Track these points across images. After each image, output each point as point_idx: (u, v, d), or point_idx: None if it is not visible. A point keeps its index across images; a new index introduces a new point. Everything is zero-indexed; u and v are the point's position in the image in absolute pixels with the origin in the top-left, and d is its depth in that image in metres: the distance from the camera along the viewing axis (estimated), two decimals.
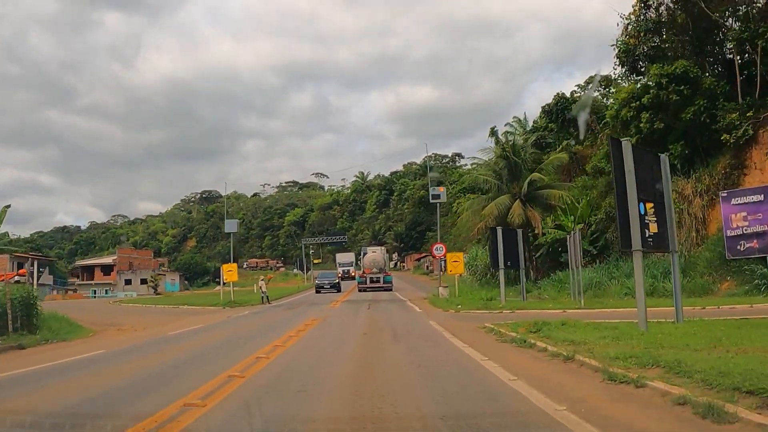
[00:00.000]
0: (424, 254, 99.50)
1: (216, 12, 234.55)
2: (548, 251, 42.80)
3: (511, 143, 43.45)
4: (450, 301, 28.45)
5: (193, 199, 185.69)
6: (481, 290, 35.84)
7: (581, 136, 47.11)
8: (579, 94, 56.16)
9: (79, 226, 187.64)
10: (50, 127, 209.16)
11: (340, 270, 73.81)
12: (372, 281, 47.92)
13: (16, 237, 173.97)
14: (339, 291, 43.84)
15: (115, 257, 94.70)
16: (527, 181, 41.67)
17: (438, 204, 36.52)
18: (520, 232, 27.26)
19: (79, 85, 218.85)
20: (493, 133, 78.40)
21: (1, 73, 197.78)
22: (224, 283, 37.95)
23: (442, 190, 34.91)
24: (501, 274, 25.60)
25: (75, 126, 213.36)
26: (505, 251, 24.76)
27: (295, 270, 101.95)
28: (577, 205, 41.58)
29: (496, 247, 24.69)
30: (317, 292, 44.07)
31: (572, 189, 42.87)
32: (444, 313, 24.00)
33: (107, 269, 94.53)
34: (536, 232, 41.71)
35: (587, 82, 57.02)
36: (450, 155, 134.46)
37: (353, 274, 72.62)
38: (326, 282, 46.45)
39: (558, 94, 54.86)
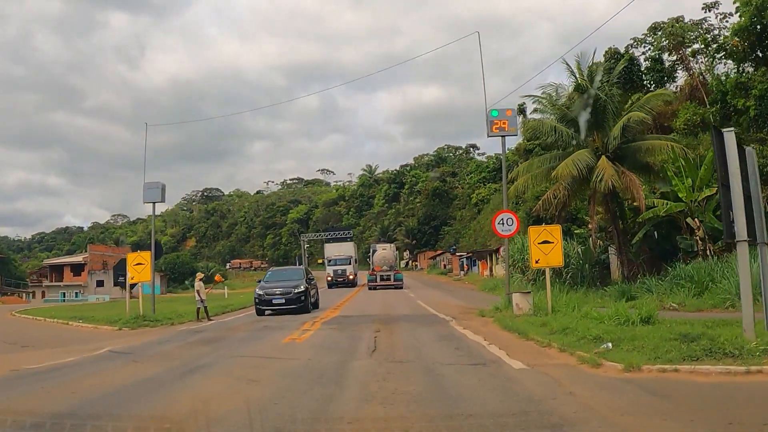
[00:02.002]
0: (439, 251, 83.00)
1: (222, 12, 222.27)
2: (646, 234, 26.96)
3: (587, 74, 26.91)
4: (551, 326, 12.14)
5: (194, 197, 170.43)
6: (577, 296, 19.34)
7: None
8: (634, 50, 40.71)
9: (81, 227, 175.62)
10: (57, 128, 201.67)
11: (329, 270, 50.33)
12: (382, 279, 43.35)
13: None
14: (303, 311, 20.36)
15: (86, 255, 78.57)
16: (621, 125, 25.48)
17: (503, 139, 19.49)
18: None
19: (86, 87, 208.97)
20: (521, 111, 62.66)
21: (8, 75, 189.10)
22: (132, 287, 21.84)
23: (510, 113, 18.13)
24: (742, 255, 8.77)
25: (82, 128, 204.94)
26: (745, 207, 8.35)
27: None
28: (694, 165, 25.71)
29: (728, 200, 8.31)
30: (259, 313, 20.91)
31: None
32: (603, 377, 7.60)
33: (78, 269, 78.47)
34: (636, 204, 25.88)
35: (651, 30, 41.53)
36: (464, 146, 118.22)
37: (351, 276, 49.50)
38: (277, 292, 20.63)
39: (610, 48, 41.00)
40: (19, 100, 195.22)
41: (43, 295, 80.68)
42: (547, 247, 15.25)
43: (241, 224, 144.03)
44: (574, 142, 26.58)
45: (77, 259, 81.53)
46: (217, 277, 27.55)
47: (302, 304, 20.47)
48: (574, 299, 16.72)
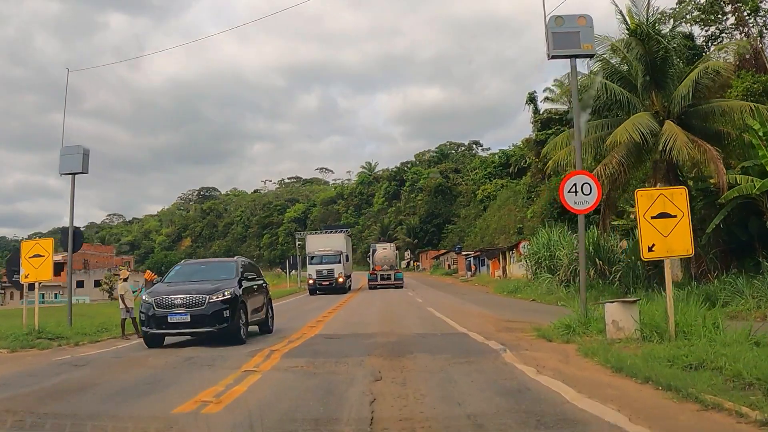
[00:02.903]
0: (443, 251, 76.51)
1: (221, 13, 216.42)
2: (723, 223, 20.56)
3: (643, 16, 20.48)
4: (733, 370, 5.76)
5: (191, 196, 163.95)
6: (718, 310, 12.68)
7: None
8: (662, 26, 34.20)
9: (78, 227, 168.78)
10: (56, 130, 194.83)
11: (311, 270, 37.37)
12: (383, 278, 40.91)
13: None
14: (229, 337, 11.17)
15: (66, 254, 71.85)
16: (692, 80, 19.19)
17: (573, 62, 12.49)
18: None
19: (85, 88, 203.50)
20: (532, 99, 56.81)
21: (7, 76, 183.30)
22: (29, 288, 15.46)
23: (583, 22, 11.27)
24: None
25: (81, 129, 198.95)
26: None
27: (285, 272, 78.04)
28: None
29: None
30: (149, 342, 11.59)
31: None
32: None
33: (57, 268, 71.62)
34: (714, 181, 19.74)
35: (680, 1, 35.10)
36: (467, 143, 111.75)
37: (341, 278, 36.33)
38: (177, 302, 11.19)
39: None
40: (18, 101, 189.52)
41: (21, 296, 73.88)
42: (666, 225, 8.74)
43: (238, 224, 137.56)
44: (629, 105, 20.26)
45: (56, 257, 74.57)
46: (148, 274, 20.42)
47: (225, 325, 10.99)
48: (652, 305, 10.12)
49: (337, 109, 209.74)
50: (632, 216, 27.25)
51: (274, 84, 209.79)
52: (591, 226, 26.15)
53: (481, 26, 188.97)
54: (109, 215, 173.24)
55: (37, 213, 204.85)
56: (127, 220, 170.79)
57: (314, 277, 36.57)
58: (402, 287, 38.80)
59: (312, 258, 37.80)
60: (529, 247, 32.53)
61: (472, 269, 55.74)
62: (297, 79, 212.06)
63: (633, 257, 22.02)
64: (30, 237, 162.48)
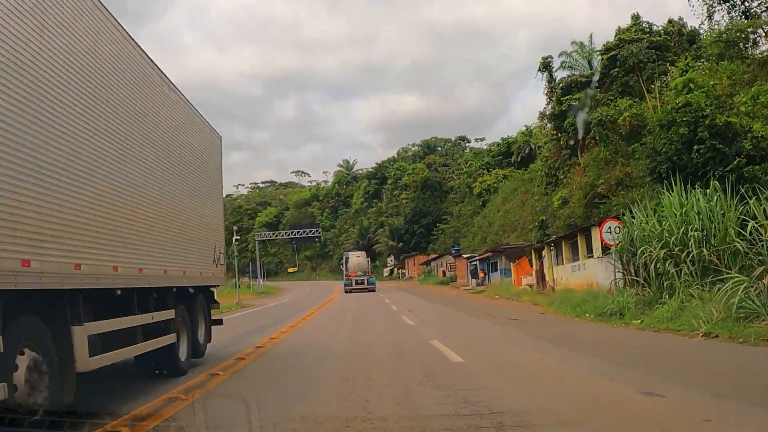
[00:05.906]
0: (434, 255, 60.62)
1: (197, 20, 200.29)
2: None
3: None
4: None
5: None
6: None
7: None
8: None
9: None
10: None
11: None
12: (357, 283, 43.57)
13: None
14: None
15: None
16: None
17: None
18: None
19: None
20: (546, 66, 42.52)
21: None
22: None
23: None
24: None
25: None
26: None
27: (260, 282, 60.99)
28: None
29: None
30: None
31: None
32: None
33: None
34: None
35: None
36: (453, 139, 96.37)
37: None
38: None
39: None
40: None
41: None
42: None
43: None
44: None
45: None
46: None
47: None
48: None
49: (315, 118, 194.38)
50: None
51: (251, 92, 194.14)
52: None
53: (459, 34, 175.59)
54: None
55: None
56: None
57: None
58: (374, 291, 40.01)
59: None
60: (621, 230, 16.84)
61: (480, 276, 39.87)
62: (274, 87, 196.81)
63: None
64: None
